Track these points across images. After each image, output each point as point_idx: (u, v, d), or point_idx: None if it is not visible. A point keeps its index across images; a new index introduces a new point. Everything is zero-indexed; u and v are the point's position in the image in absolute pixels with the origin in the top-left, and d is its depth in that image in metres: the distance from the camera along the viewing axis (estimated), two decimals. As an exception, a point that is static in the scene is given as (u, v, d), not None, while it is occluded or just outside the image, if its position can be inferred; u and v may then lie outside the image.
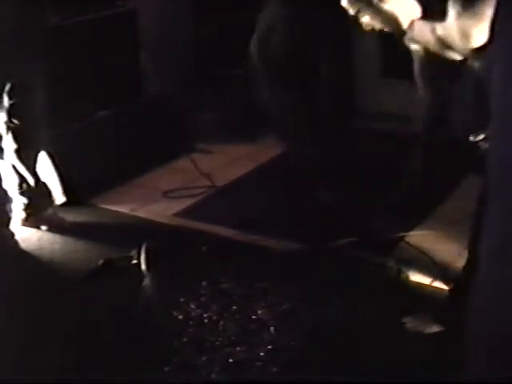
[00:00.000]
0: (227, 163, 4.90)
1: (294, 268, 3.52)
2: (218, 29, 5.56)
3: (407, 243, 3.64)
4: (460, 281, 3.13)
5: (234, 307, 3.20)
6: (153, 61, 5.40)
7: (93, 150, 4.48)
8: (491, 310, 1.80)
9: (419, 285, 3.34)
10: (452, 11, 2.00)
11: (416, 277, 3.38)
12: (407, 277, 3.39)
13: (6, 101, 3.77)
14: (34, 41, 3.78)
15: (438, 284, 3.28)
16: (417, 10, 2.06)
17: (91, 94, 4.65)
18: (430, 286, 3.29)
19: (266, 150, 5.07)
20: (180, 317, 3.15)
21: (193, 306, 3.21)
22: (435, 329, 2.96)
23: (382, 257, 3.49)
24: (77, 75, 4.53)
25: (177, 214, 4.26)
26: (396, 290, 3.31)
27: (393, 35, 2.36)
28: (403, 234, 3.71)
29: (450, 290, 3.20)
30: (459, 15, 1.98)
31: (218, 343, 2.96)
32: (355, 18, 2.48)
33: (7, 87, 3.74)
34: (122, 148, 4.65)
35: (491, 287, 1.80)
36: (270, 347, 2.93)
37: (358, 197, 4.16)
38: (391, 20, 2.14)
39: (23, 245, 3.90)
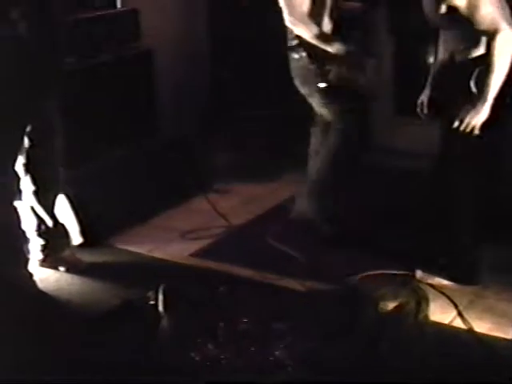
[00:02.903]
0: (243, 203, 4.91)
1: (312, 308, 3.50)
2: (235, 70, 5.61)
3: (426, 283, 3.63)
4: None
5: (252, 348, 3.18)
6: (169, 101, 5.45)
7: (110, 190, 4.50)
8: None
9: (438, 324, 3.32)
10: None
11: (435, 316, 3.37)
12: (426, 316, 3.37)
13: (26, 142, 3.80)
14: (51, 83, 3.82)
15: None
16: None
17: (108, 135, 4.70)
18: (448, 325, 3.27)
19: (282, 190, 5.07)
20: (197, 358, 3.14)
21: (210, 347, 3.20)
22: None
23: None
24: (93, 116, 4.58)
25: (193, 255, 4.26)
26: (415, 328, 3.29)
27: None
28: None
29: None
30: None
31: (235, 384, 2.95)
32: None
33: (27, 129, 3.77)
34: (139, 188, 4.67)
35: None
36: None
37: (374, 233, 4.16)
38: None
39: (41, 285, 3.90)
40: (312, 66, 3.98)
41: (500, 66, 3.17)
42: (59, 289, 3.92)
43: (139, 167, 4.78)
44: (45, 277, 4.03)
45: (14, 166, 3.76)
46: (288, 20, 4.00)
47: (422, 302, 3.41)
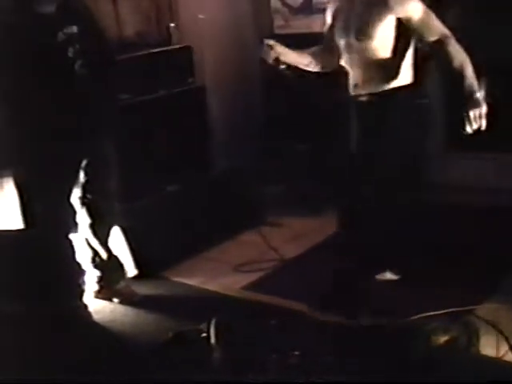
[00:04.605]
0: (295, 236, 4.92)
1: (364, 343, 3.48)
2: (287, 103, 5.66)
3: (477, 316, 3.59)
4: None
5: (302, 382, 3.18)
6: (221, 135, 5.51)
7: (164, 223, 4.57)
8: None
9: (490, 358, 3.29)
10: None
11: (486, 350, 3.33)
12: (478, 350, 3.34)
13: (81, 176, 3.89)
14: (106, 119, 3.91)
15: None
16: None
17: (162, 168, 4.77)
18: (500, 359, 3.24)
19: (331, 224, 5.04)
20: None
21: (261, 380, 3.20)
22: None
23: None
24: (147, 151, 4.66)
25: (245, 288, 4.29)
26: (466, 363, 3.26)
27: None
28: (472, 307, 3.67)
29: None
30: None
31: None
32: None
33: (83, 163, 3.86)
34: (193, 221, 4.73)
35: None
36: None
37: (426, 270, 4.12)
38: None
39: (96, 317, 3.98)
40: None
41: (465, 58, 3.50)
42: (113, 320, 3.98)
43: (193, 200, 4.84)
44: (99, 308, 4.10)
45: (69, 199, 3.85)
46: None
47: (472, 335, 3.38)
